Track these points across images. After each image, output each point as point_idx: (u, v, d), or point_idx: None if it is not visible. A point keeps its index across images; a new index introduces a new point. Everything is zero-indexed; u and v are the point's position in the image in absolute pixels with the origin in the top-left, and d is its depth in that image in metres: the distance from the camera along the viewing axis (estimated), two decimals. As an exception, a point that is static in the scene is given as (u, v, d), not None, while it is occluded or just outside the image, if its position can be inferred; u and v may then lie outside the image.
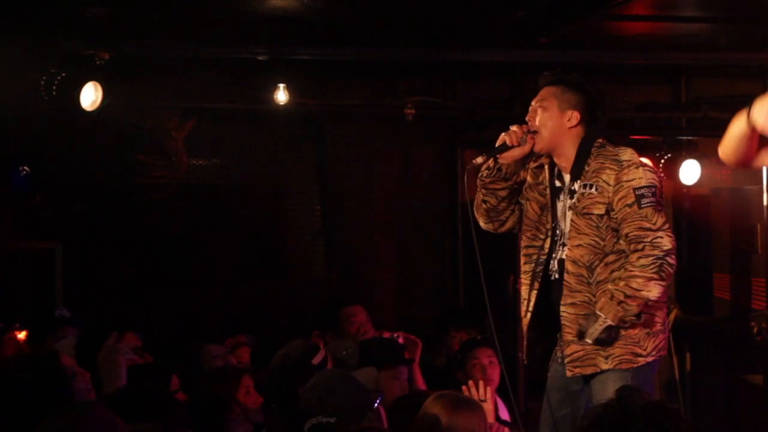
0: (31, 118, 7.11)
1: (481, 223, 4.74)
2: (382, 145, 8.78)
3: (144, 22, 6.83)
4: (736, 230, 8.11)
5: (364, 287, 8.55)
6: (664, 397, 4.52)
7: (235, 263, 8.40)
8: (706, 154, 8.41)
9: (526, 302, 4.58)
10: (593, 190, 4.43)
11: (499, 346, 5.98)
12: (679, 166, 8.31)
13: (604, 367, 4.39)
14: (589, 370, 4.43)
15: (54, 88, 6.76)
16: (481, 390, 4.68)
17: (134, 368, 5.27)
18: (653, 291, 4.30)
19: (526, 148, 4.52)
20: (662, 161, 8.30)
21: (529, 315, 4.57)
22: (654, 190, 4.39)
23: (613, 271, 4.40)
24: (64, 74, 6.78)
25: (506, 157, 4.56)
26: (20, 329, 6.73)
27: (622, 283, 4.32)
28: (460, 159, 8.86)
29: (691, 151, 8.43)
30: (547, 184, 4.58)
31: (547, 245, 4.55)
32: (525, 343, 4.61)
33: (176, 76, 7.81)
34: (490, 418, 4.78)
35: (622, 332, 4.37)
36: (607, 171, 4.42)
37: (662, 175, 8.06)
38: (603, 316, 4.32)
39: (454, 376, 6.25)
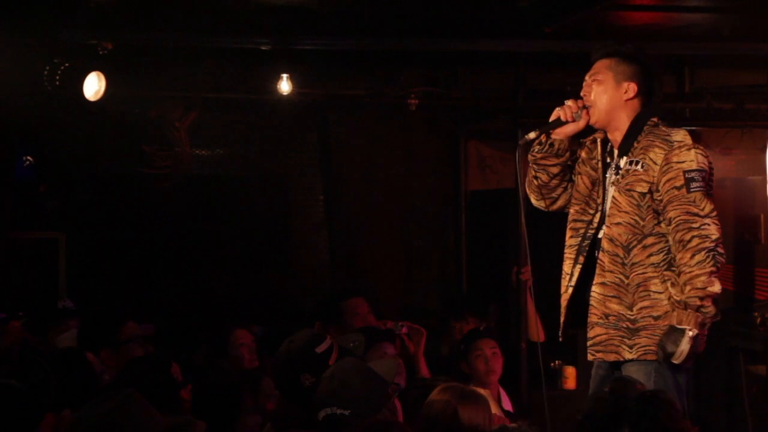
0: (35, 108, 7.12)
1: (533, 200, 4.63)
2: (385, 136, 8.81)
3: (147, 12, 6.83)
4: (740, 220, 8.10)
5: (367, 277, 8.57)
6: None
7: (238, 253, 8.42)
8: (710, 145, 8.43)
9: (568, 277, 4.42)
10: (639, 167, 4.30)
11: (502, 336, 6.01)
12: (683, 156, 8.31)
13: (628, 356, 4.26)
14: (611, 357, 4.31)
15: (57, 78, 6.78)
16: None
17: (137, 359, 5.28)
18: (716, 285, 4.15)
19: (581, 124, 4.42)
20: (666, 152, 8.30)
21: (570, 290, 4.41)
22: (704, 174, 4.26)
23: (651, 254, 4.27)
24: (67, 64, 6.80)
25: (559, 133, 4.45)
26: (22, 319, 6.76)
27: (688, 288, 4.15)
28: (463, 149, 8.89)
29: (695, 142, 8.40)
30: (599, 158, 4.46)
31: (596, 220, 4.41)
32: (563, 319, 4.44)
33: (179, 67, 7.84)
34: (495, 410, 4.81)
35: (651, 321, 4.23)
36: (656, 150, 4.29)
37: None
38: (686, 327, 4.13)
39: (457, 366, 6.27)
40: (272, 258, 8.51)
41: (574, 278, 4.41)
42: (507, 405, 6.15)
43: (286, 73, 7.67)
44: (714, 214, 4.22)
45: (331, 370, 3.98)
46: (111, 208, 8.05)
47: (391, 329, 6.03)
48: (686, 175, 4.23)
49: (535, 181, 4.56)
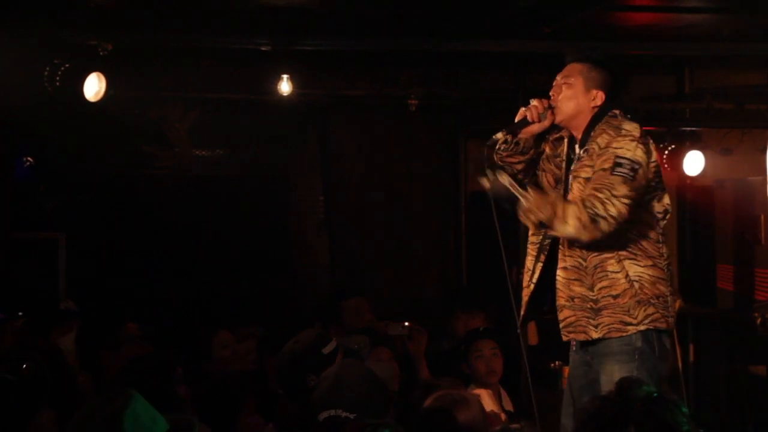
0: (35, 109, 7.07)
1: None
2: (385, 136, 8.82)
3: (148, 12, 6.82)
4: (740, 221, 8.13)
5: (367, 278, 8.57)
6: (666, 388, 4.51)
7: (238, 254, 8.44)
8: (710, 145, 8.48)
9: (530, 273, 4.57)
10: (585, 153, 4.41)
11: (502, 336, 6.04)
12: (683, 157, 8.33)
13: (595, 335, 4.38)
14: (581, 336, 4.44)
15: (58, 78, 6.73)
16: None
17: (137, 360, 5.27)
18: (569, 228, 4.21)
19: (546, 124, 4.50)
20: (666, 152, 8.30)
21: (532, 286, 4.57)
22: (637, 168, 4.28)
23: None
24: (67, 65, 6.75)
25: (525, 132, 4.54)
26: (21, 320, 6.77)
27: (562, 204, 4.25)
28: (463, 149, 8.91)
29: (695, 142, 8.45)
30: (564, 157, 4.56)
31: None
32: (522, 312, 4.61)
33: (180, 67, 7.82)
34: (495, 409, 4.82)
35: (611, 300, 4.35)
36: (604, 136, 4.37)
37: (666, 166, 8.10)
38: (530, 197, 4.25)
39: (458, 367, 6.27)
40: (272, 258, 8.52)
41: (536, 275, 4.56)
42: (508, 405, 6.17)
43: (286, 73, 7.67)
44: (627, 200, 4.23)
45: (334, 371, 3.97)
46: (111, 209, 8.07)
47: (391, 336, 6.05)
48: (616, 160, 4.28)
49: None
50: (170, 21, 7.03)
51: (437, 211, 8.93)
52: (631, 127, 4.37)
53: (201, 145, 8.31)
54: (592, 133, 4.43)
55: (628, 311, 4.36)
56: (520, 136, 4.54)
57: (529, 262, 4.60)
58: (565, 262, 4.46)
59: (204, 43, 7.38)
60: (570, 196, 4.43)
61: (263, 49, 7.37)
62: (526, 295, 4.61)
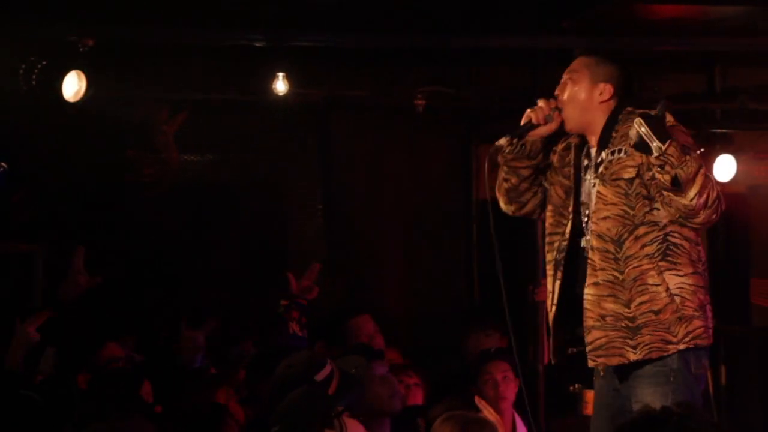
0: (9, 110, 7.06)
1: (501, 204, 4.77)
2: (390, 140, 8.82)
3: (132, 5, 6.83)
4: (776, 232, 8.13)
5: (371, 295, 8.59)
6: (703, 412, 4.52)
7: (230, 267, 8.44)
8: (743, 149, 8.45)
9: (551, 295, 4.56)
10: (622, 154, 4.40)
11: (519, 357, 6.00)
12: (714, 161, 8.24)
13: (633, 357, 4.34)
14: (615, 361, 4.39)
15: (34, 77, 6.73)
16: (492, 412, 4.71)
17: (102, 375, 5.42)
18: (699, 200, 4.22)
19: (553, 126, 4.54)
20: (695, 156, 8.29)
21: (554, 308, 4.55)
22: (691, 144, 4.35)
23: (644, 245, 4.36)
24: (44, 62, 6.75)
25: (532, 135, 4.56)
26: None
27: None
28: (476, 154, 8.89)
29: (727, 145, 8.41)
30: (573, 164, 4.56)
31: (568, 230, 4.52)
32: (552, 341, 4.58)
33: (166, 65, 7.81)
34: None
35: (652, 317, 4.32)
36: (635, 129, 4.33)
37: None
38: (673, 142, 4.18)
39: (468, 390, 6.28)
40: (266, 274, 8.39)
41: (556, 296, 4.54)
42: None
43: (282, 71, 7.63)
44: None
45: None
46: (92, 219, 8.02)
47: (381, 350, 6.11)
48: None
49: (504, 184, 4.71)
50: (156, 15, 7.02)
51: (447, 222, 8.93)
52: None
53: (189, 150, 8.31)
54: (614, 134, 4.43)
55: (669, 328, 4.33)
56: (527, 138, 4.56)
57: (549, 282, 4.60)
58: (596, 276, 4.40)
59: (193, 39, 7.37)
60: (595, 206, 4.41)
61: (257, 44, 7.38)
62: (551, 320, 4.59)
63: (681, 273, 4.37)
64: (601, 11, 7.05)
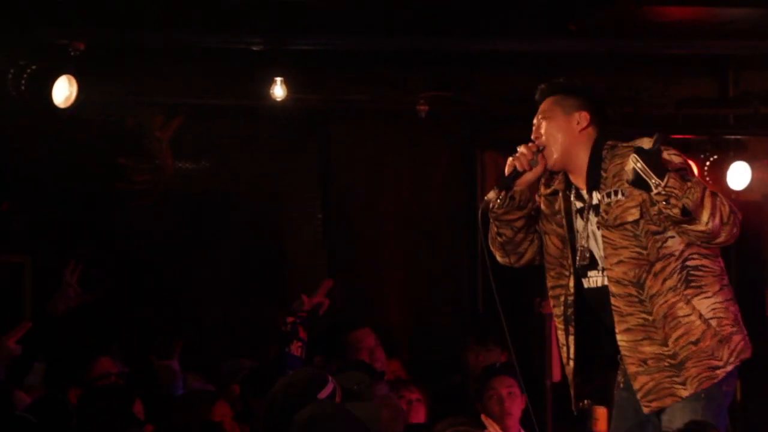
0: (-3, 116, 7.11)
1: (498, 258, 4.77)
2: (391, 146, 8.79)
3: (124, 8, 6.81)
4: (793, 242, 8.14)
5: (371, 306, 8.56)
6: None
7: (226, 279, 8.44)
8: (757, 156, 8.38)
9: (565, 348, 4.62)
10: (620, 196, 4.42)
11: (525, 370, 5.99)
12: (727, 168, 8.21)
13: (685, 394, 4.37)
14: (668, 401, 4.41)
15: (23, 82, 6.72)
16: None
17: (94, 390, 5.47)
18: (713, 222, 4.23)
19: (539, 170, 4.56)
20: (707, 164, 8.22)
21: (571, 363, 4.61)
22: (686, 167, 4.40)
23: (665, 279, 4.37)
24: (34, 66, 6.74)
25: (519, 184, 4.57)
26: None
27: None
28: (479, 161, 8.87)
29: (740, 152, 8.34)
30: (564, 213, 4.57)
31: (572, 284, 4.56)
32: (572, 391, 4.66)
33: (161, 69, 7.78)
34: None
35: (692, 348, 4.34)
36: (624, 163, 4.38)
37: (707, 179, 8.01)
38: (672, 175, 4.21)
39: (472, 406, 6.30)
40: (264, 284, 8.48)
41: (572, 350, 4.60)
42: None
43: (280, 76, 7.62)
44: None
45: (307, 413, 3.92)
46: (83, 229, 8.02)
47: (383, 371, 6.21)
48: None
49: (498, 238, 4.69)
50: (149, 18, 6.98)
51: (450, 231, 8.87)
52: (646, 143, 4.36)
53: (184, 156, 8.30)
54: (603, 174, 4.46)
55: (713, 354, 4.37)
56: (515, 189, 4.56)
57: (561, 336, 4.65)
58: (626, 323, 4.43)
59: (188, 43, 7.38)
60: (605, 252, 4.44)
61: (254, 48, 7.40)
62: (569, 373, 4.65)
63: (709, 293, 4.40)
64: (609, 13, 7.06)
